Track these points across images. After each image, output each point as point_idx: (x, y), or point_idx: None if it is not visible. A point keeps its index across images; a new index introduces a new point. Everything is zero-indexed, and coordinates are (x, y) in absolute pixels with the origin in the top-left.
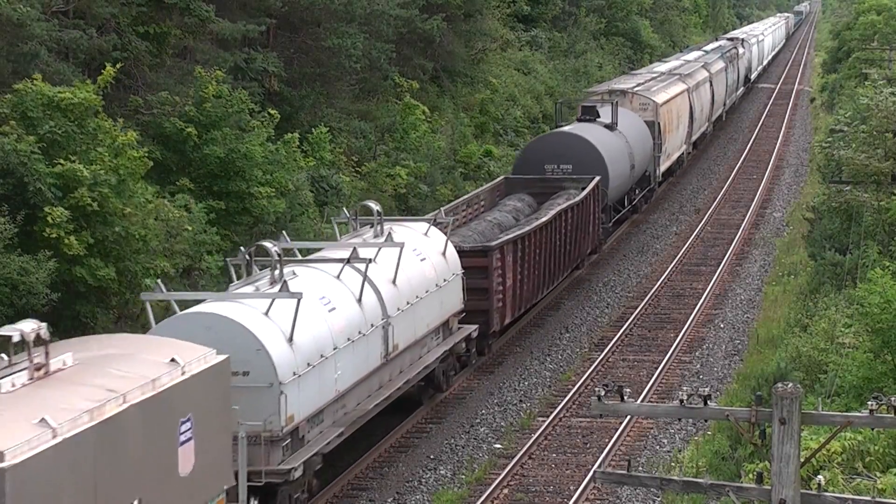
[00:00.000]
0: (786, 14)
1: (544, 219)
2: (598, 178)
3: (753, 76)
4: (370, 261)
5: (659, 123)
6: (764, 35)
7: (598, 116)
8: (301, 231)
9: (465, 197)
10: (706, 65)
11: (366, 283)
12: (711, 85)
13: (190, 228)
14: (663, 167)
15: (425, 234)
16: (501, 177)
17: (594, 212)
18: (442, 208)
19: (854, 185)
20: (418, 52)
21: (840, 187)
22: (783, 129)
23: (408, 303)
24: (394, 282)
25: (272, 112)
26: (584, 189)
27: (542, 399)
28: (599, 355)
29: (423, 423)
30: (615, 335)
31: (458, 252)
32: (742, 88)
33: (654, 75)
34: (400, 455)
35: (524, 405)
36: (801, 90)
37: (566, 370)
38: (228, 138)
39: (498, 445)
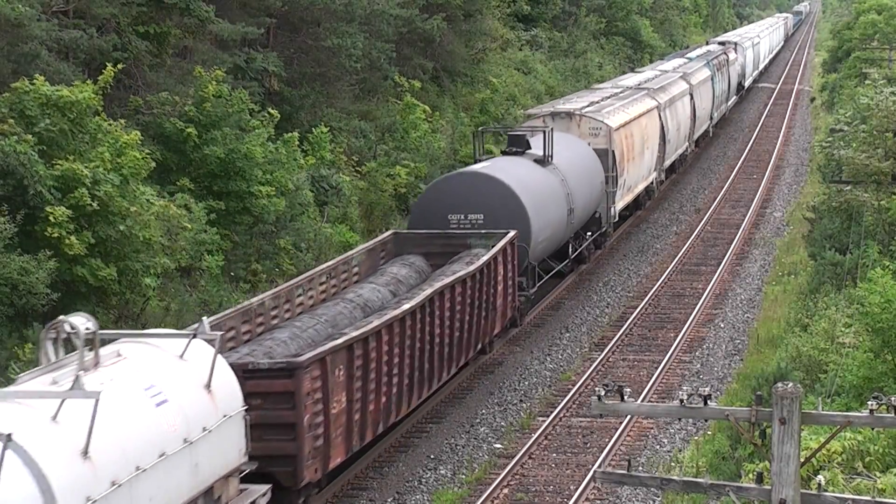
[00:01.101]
0: (784, 15)
1: (407, 306)
2: (512, 232)
3: (748, 82)
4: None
5: (613, 152)
6: (760, 38)
7: (529, 148)
8: (301, 231)
9: (326, 265)
10: (686, 75)
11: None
12: (692, 99)
13: (190, 228)
14: (620, 204)
15: (180, 356)
16: (389, 231)
17: (506, 278)
18: (205, 318)
19: (854, 184)
20: (418, 51)
21: (840, 187)
22: (783, 128)
23: (114, 483)
24: (85, 453)
25: (272, 112)
26: (493, 247)
27: (542, 399)
28: (599, 355)
29: (422, 422)
30: (615, 335)
31: (248, 373)
32: (734, 98)
33: (618, 91)
34: (400, 455)
35: (524, 405)
36: (802, 90)
37: (566, 370)
38: (228, 138)
39: (498, 445)
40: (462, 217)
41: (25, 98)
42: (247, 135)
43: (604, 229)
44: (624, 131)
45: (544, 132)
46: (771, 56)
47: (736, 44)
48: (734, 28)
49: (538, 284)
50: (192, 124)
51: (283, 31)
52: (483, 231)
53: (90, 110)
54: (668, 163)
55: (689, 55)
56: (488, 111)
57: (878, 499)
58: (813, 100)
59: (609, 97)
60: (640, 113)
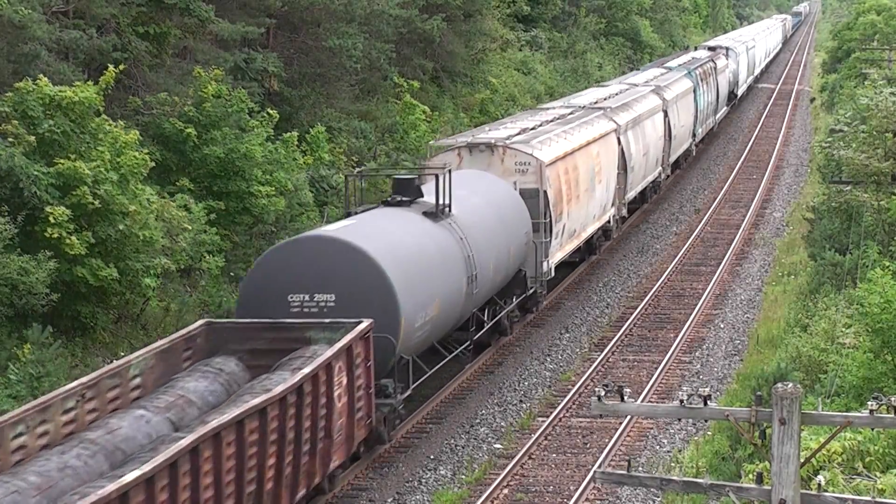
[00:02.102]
0: (783, 16)
1: (160, 458)
2: (365, 322)
3: (742, 90)
4: None
5: (546, 192)
6: (756, 41)
7: (421, 195)
8: (301, 231)
9: (78, 383)
10: (659, 89)
11: None
12: (667, 116)
13: (190, 228)
14: (558, 256)
15: None
16: (199, 322)
17: (353, 388)
18: None
19: (854, 185)
20: (418, 52)
21: (840, 187)
22: (783, 129)
23: None
24: None
25: (271, 112)
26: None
27: (542, 399)
28: (599, 355)
29: (423, 423)
30: (615, 335)
31: None
32: (725, 108)
33: (566, 112)
34: (400, 455)
35: (524, 405)
36: (801, 90)
37: (566, 370)
38: (228, 138)
39: (498, 445)
40: (306, 299)
41: (28, 98)
42: (246, 135)
43: (531, 290)
44: (562, 165)
45: (437, 176)
46: (768, 60)
47: (727, 49)
48: (734, 28)
49: (414, 385)
50: (191, 124)
51: (283, 31)
52: (328, 321)
53: (92, 111)
54: (632, 194)
55: (669, 64)
56: (488, 111)
57: (878, 499)
58: (813, 100)
59: (551, 121)
60: (589, 140)
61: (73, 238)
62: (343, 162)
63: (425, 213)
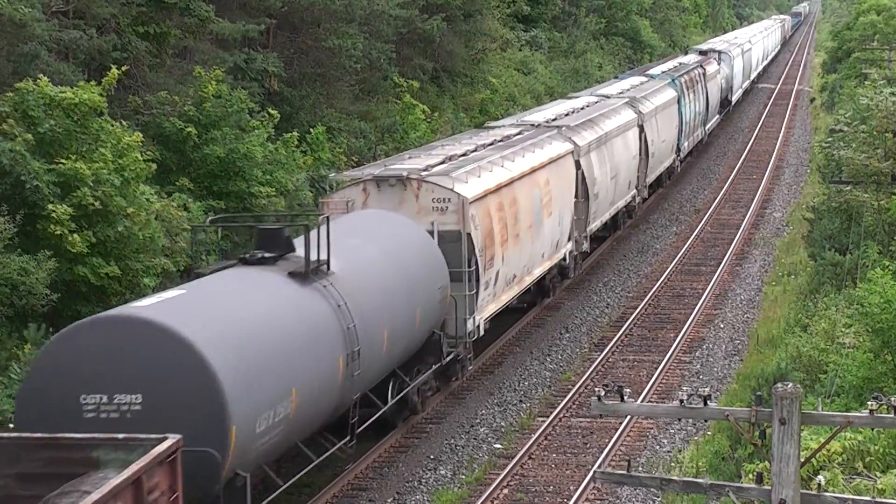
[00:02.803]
0: (782, 17)
1: None
2: (168, 441)
3: (737, 96)
4: None
5: (471, 234)
6: (752, 43)
7: (292, 250)
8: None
9: None
10: (634, 101)
11: None
12: (643, 132)
13: (189, 229)
14: (491, 309)
15: None
16: None
17: None
18: None
19: (854, 185)
20: (418, 52)
21: (840, 187)
22: (783, 129)
23: None
24: None
25: (272, 112)
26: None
27: (542, 399)
28: (599, 355)
29: (422, 423)
30: (615, 335)
31: None
32: (717, 117)
33: (513, 132)
34: (400, 455)
35: (524, 405)
36: (801, 90)
37: (566, 370)
38: (228, 138)
39: (498, 445)
40: (104, 400)
41: (28, 98)
42: (246, 135)
43: (450, 357)
44: (495, 199)
45: (306, 226)
46: (766, 63)
47: (720, 53)
48: (734, 28)
49: None
50: (191, 124)
51: (283, 31)
52: (121, 436)
53: (94, 111)
54: (597, 224)
55: (652, 71)
56: (488, 111)
57: (878, 499)
58: (813, 100)
59: (490, 145)
60: (534, 166)
61: (75, 236)
62: (343, 162)
63: (291, 275)
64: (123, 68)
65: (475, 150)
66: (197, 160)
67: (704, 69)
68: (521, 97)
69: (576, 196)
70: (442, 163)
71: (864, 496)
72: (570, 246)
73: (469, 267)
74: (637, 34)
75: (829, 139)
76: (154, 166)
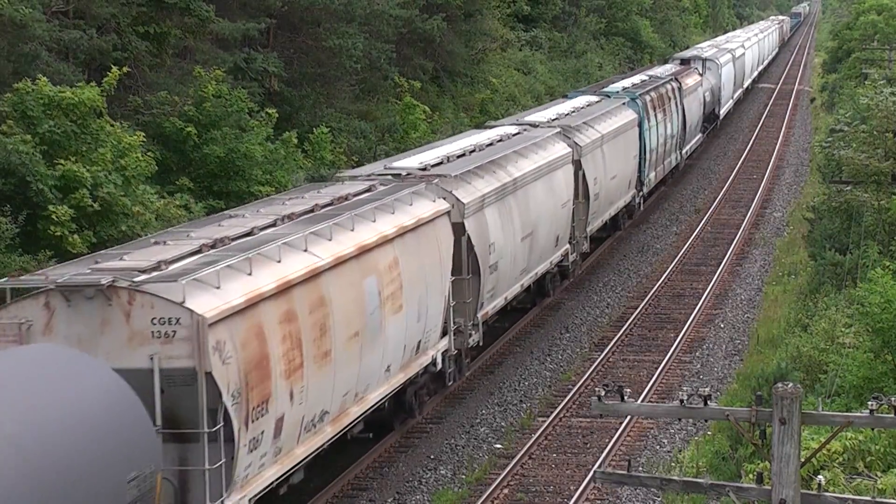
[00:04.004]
0: (781, 17)
1: None
2: None
3: (726, 108)
4: None
5: (212, 374)
6: (745, 47)
7: None
8: None
9: None
10: (569, 131)
11: None
12: (581, 169)
13: None
14: (268, 476)
15: None
16: None
17: None
18: None
19: (854, 185)
20: (418, 52)
21: (840, 187)
22: (783, 129)
23: None
24: None
25: (270, 111)
26: None
27: (542, 399)
28: (599, 355)
29: (423, 423)
30: (615, 335)
31: None
32: (698, 136)
33: (365, 186)
34: (400, 455)
35: (524, 405)
36: (801, 90)
37: (566, 370)
38: (228, 138)
39: (498, 445)
40: None
41: (27, 98)
42: (246, 134)
43: None
44: (274, 309)
45: None
46: (761, 68)
47: (705, 60)
48: (734, 28)
49: None
50: (191, 124)
51: (283, 31)
52: None
53: (94, 112)
54: (495, 305)
55: (609, 88)
56: (488, 111)
57: (878, 499)
58: (813, 100)
59: (302, 215)
60: (367, 244)
61: (76, 237)
62: (343, 162)
63: None
64: (124, 69)
65: (274, 224)
66: (197, 160)
67: (680, 83)
68: (521, 97)
69: (461, 271)
70: (196, 251)
71: (864, 496)
72: (444, 344)
73: (212, 425)
74: (637, 34)
75: (830, 139)
76: (154, 164)
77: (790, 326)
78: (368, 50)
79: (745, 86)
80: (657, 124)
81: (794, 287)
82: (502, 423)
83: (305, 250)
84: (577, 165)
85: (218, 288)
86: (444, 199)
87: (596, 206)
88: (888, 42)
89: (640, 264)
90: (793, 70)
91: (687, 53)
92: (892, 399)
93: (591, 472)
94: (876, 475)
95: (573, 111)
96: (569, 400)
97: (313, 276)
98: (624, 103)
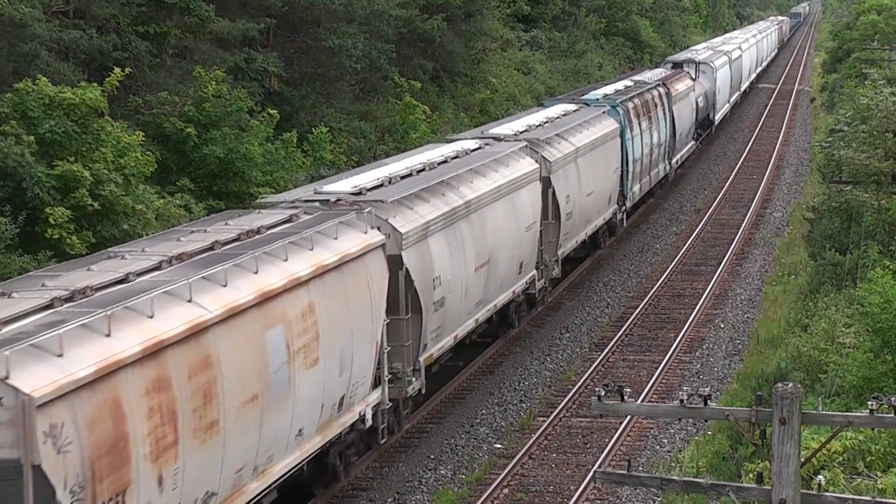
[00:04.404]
0: (780, 18)
1: None
2: None
3: (721, 113)
4: None
5: (42, 468)
6: (742, 49)
7: None
8: None
9: None
10: (537, 144)
11: None
12: (551, 185)
13: None
14: None
15: None
16: None
17: None
18: None
19: (854, 185)
20: (418, 52)
21: (840, 187)
22: (783, 129)
23: None
24: None
25: (271, 112)
26: None
27: (542, 399)
28: (599, 355)
29: (423, 423)
30: (615, 335)
31: None
32: (691, 144)
33: (279, 218)
34: (400, 455)
35: (524, 405)
36: (801, 90)
37: (566, 370)
38: (228, 138)
39: (498, 445)
40: None
41: (28, 99)
42: (245, 134)
43: None
44: (140, 377)
45: None
46: (759, 69)
47: (698, 64)
48: (735, 28)
49: None
50: (191, 124)
51: (283, 31)
52: None
53: (95, 112)
54: (442, 345)
55: (589, 96)
56: (488, 111)
57: (878, 499)
58: (813, 100)
59: (198, 254)
60: (268, 290)
61: (74, 238)
62: (343, 162)
63: None
64: (126, 70)
65: (157, 268)
66: (197, 160)
67: (668, 88)
68: (521, 97)
69: (397, 312)
70: (46, 307)
71: (864, 496)
72: (373, 397)
73: None
74: (637, 34)
75: (830, 139)
76: (154, 162)
77: (790, 326)
78: (368, 50)
79: (742, 89)
80: (641, 133)
81: (794, 287)
82: (502, 423)
83: (189, 300)
84: (546, 183)
85: (60, 356)
86: (379, 228)
87: (569, 227)
88: (888, 42)
89: (640, 264)
90: (793, 70)
91: (680, 56)
92: (892, 399)
93: (591, 472)
94: (876, 475)
95: (545, 122)
96: (569, 400)
97: (197, 332)
98: (604, 112)
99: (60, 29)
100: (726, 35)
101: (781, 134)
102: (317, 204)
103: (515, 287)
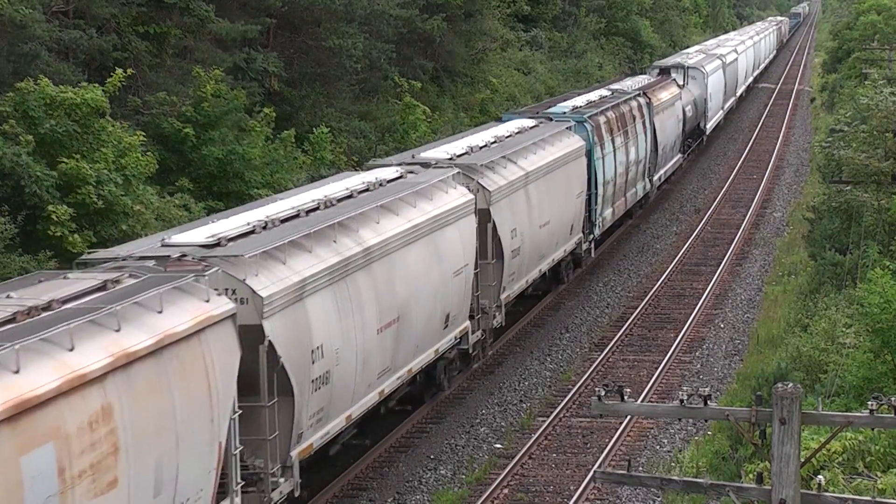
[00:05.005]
0: (779, 18)
1: None
2: None
3: (714, 121)
4: None
5: None
6: (739, 52)
7: None
8: None
9: None
10: (474, 171)
11: None
12: (491, 219)
13: None
14: None
15: None
16: None
17: None
18: None
19: (854, 185)
20: (418, 52)
21: (840, 187)
22: (783, 129)
23: None
24: None
25: (268, 110)
26: None
27: (542, 399)
28: (599, 355)
29: (423, 422)
30: (615, 335)
31: None
32: (678, 157)
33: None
34: (400, 455)
35: (524, 405)
36: (801, 90)
37: (566, 370)
38: (227, 139)
39: (498, 445)
40: None
41: (29, 98)
42: (245, 134)
43: None
44: None
45: None
46: (757, 72)
47: (688, 69)
48: (735, 28)
49: None
50: (190, 124)
51: (283, 31)
52: None
53: (96, 112)
54: (334, 425)
55: (555, 108)
56: (488, 111)
57: (878, 499)
58: (813, 100)
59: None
60: (21, 403)
61: (76, 237)
62: (343, 162)
63: None
64: (129, 70)
65: None
66: (196, 161)
67: (649, 98)
68: (521, 97)
69: (256, 396)
70: None
71: (864, 496)
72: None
73: None
74: (637, 34)
75: (830, 139)
76: (155, 163)
77: (790, 326)
78: (368, 50)
79: (738, 94)
80: (615, 150)
81: (794, 287)
82: (502, 423)
83: None
84: (485, 216)
85: None
86: (234, 292)
87: (515, 266)
88: (888, 42)
89: (640, 264)
90: (793, 70)
91: (668, 61)
92: (892, 399)
93: (591, 472)
94: (876, 475)
95: (493, 142)
96: (569, 400)
97: None
98: (568, 128)
99: (60, 29)
100: (721, 37)
101: (781, 134)
102: (152, 262)
103: (439, 345)
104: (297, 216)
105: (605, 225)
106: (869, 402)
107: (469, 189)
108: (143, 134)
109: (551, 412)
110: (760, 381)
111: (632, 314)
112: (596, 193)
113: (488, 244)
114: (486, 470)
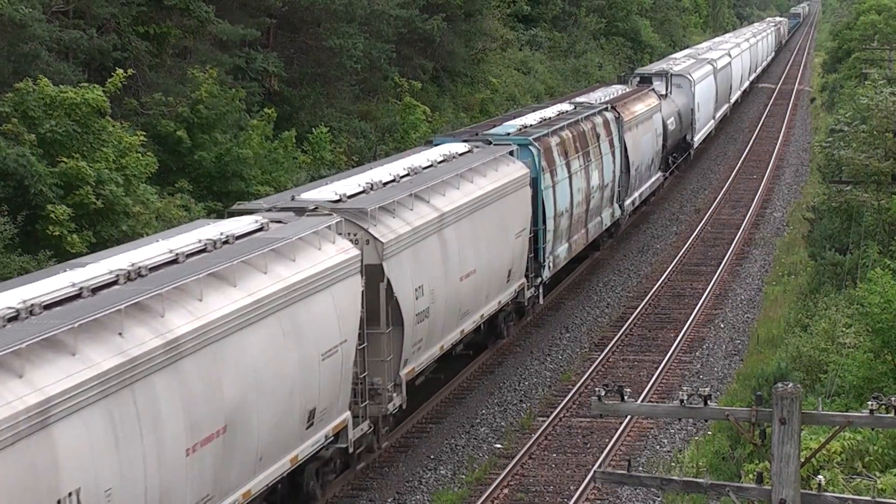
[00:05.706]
0: (777, 19)
1: None
2: None
3: (702, 133)
4: None
5: None
6: (732, 56)
7: None
8: None
9: None
10: (361, 216)
11: None
12: (385, 278)
13: None
14: None
15: None
16: None
17: None
18: None
19: (854, 185)
20: (418, 52)
21: (840, 187)
22: (783, 129)
23: None
24: None
25: (268, 110)
26: None
27: (542, 399)
28: (599, 355)
29: (423, 422)
30: (615, 335)
31: None
32: (656, 176)
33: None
34: (400, 455)
35: (524, 405)
36: (801, 90)
37: (566, 370)
38: (220, 142)
39: (498, 445)
40: None
41: (28, 98)
42: (243, 133)
43: None
44: None
45: None
46: (753, 77)
47: (672, 77)
48: (734, 28)
49: None
50: (184, 126)
51: (283, 31)
52: None
53: (96, 112)
54: None
55: (497, 130)
56: (488, 111)
57: (878, 499)
58: (813, 100)
59: None
60: None
61: (75, 237)
62: (343, 161)
63: None
64: (130, 71)
65: None
66: (192, 162)
67: (618, 112)
68: (521, 97)
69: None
70: None
71: (864, 496)
72: None
73: None
74: (637, 34)
75: (830, 139)
76: (155, 163)
77: (790, 326)
78: (368, 50)
79: (732, 100)
80: (570, 177)
81: (794, 287)
82: (502, 423)
83: None
84: (376, 273)
85: None
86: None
87: (423, 331)
88: (888, 42)
89: (640, 264)
90: (793, 70)
91: (652, 68)
92: (892, 399)
93: (591, 472)
94: (875, 475)
95: (404, 175)
96: (569, 400)
97: None
98: (510, 152)
99: (60, 29)
100: (715, 39)
101: (781, 134)
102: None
103: (298, 451)
104: (78, 296)
105: (557, 265)
106: (869, 402)
107: (354, 241)
108: (144, 134)
109: (551, 412)
110: (760, 381)
111: (632, 314)
112: (545, 229)
113: (381, 309)
114: (486, 470)
